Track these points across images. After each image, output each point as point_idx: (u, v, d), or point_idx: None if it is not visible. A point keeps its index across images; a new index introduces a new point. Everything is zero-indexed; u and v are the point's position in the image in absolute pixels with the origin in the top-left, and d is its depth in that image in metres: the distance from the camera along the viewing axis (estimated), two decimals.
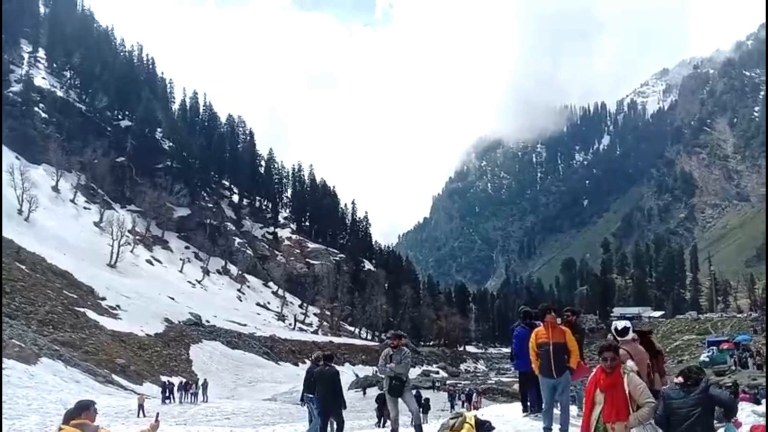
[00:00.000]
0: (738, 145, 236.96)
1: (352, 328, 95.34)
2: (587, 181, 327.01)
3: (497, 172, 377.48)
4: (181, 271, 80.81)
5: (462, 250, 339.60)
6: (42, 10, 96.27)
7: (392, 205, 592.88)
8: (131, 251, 72.81)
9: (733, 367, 40.99)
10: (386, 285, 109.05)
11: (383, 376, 9.25)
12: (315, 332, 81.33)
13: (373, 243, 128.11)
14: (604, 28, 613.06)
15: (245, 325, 66.14)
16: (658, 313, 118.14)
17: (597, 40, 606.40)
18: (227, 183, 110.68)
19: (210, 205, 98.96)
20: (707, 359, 46.18)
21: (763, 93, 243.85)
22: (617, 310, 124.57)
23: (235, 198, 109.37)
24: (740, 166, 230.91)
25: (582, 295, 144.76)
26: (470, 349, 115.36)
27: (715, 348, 48.34)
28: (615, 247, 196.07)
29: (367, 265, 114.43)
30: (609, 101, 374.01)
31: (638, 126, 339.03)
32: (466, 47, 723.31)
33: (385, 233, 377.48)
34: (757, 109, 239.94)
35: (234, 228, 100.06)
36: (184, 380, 37.97)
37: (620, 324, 6.67)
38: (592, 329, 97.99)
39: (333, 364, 10.52)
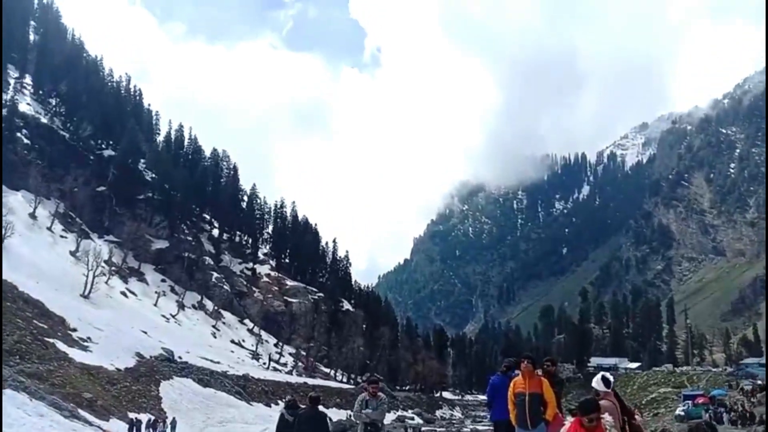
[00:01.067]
0: (714, 200, 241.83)
1: (327, 370, 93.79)
2: (567, 230, 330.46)
3: (479, 217, 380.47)
4: (155, 305, 79.36)
5: (442, 293, 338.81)
6: (32, 37, 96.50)
7: (374, 245, 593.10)
8: (106, 282, 71.43)
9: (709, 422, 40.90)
10: (364, 326, 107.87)
11: (358, 421, 9.12)
12: (289, 372, 79.86)
13: (353, 283, 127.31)
14: (586, 81, 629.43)
15: (218, 362, 64.75)
16: (634, 365, 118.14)
17: (579, 92, 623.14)
18: (208, 217, 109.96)
19: (189, 239, 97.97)
20: (683, 413, 46.13)
21: (738, 151, 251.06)
22: (594, 360, 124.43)
23: (215, 232, 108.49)
24: (716, 220, 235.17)
25: (559, 343, 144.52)
26: (447, 395, 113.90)
27: (690, 402, 48.35)
28: (593, 296, 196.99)
29: (346, 305, 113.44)
30: (589, 152, 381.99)
31: (617, 177, 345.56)
32: (451, 93, 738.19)
33: (365, 273, 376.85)
34: (732, 165, 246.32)
35: (212, 262, 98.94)
36: (152, 418, 36.90)
37: (608, 376, 6.67)
38: (569, 378, 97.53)
39: (321, 408, 10.27)
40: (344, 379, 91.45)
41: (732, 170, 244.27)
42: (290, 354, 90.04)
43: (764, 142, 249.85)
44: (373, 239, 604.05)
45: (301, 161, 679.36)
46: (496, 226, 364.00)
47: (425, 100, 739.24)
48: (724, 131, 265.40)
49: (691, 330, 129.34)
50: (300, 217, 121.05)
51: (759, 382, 69.52)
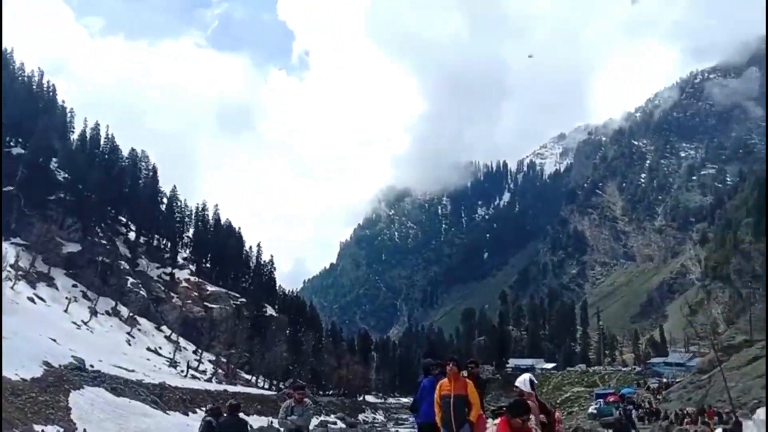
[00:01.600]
0: (626, 208, 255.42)
1: (249, 376, 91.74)
2: (488, 235, 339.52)
3: (405, 222, 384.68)
4: (66, 311, 75.05)
5: (367, 297, 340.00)
6: None
7: (300, 250, 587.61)
8: (12, 288, 66.99)
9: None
10: (288, 331, 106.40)
11: (283, 429, 8.95)
12: (209, 380, 77.52)
13: (277, 288, 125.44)
14: (510, 91, 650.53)
15: (133, 371, 61.96)
16: (550, 365, 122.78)
17: (503, 102, 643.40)
18: (124, 219, 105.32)
19: (103, 242, 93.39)
20: (595, 411, 48.27)
21: (648, 162, 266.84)
22: (513, 361, 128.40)
23: (132, 235, 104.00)
24: (627, 227, 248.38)
25: (480, 345, 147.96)
26: (370, 398, 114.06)
27: (602, 400, 50.59)
28: (512, 299, 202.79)
29: (270, 311, 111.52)
30: (511, 160, 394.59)
31: (536, 185, 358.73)
32: (379, 99, 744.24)
33: (290, 278, 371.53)
34: (643, 176, 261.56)
35: (128, 267, 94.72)
36: (60, 430, 34.81)
37: (533, 378, 6.79)
38: (489, 379, 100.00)
39: (241, 415, 10.02)
40: (266, 386, 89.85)
41: (642, 180, 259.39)
42: (210, 361, 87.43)
43: (672, 154, 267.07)
44: (300, 244, 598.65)
45: (226, 164, 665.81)
46: (421, 231, 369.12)
47: (353, 105, 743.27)
48: (635, 143, 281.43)
49: (603, 331, 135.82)
50: (223, 220, 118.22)
51: (664, 380, 73.85)
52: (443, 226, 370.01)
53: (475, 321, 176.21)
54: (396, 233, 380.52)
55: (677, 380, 67.74)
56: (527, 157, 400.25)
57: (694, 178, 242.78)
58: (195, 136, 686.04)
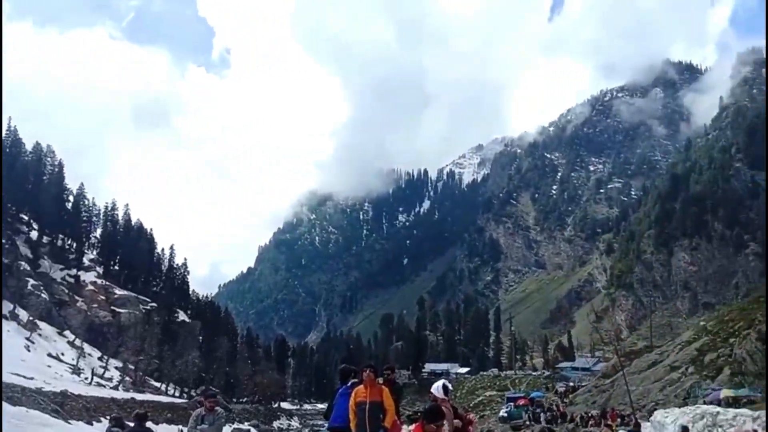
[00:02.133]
0: (538, 218, 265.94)
1: (158, 384, 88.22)
2: (408, 241, 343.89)
3: (326, 227, 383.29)
4: None
5: (285, 302, 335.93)
6: None
7: (217, 253, 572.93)
8: None
9: (528, 422, 44.43)
10: (201, 338, 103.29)
11: None
12: (115, 387, 73.88)
13: (191, 292, 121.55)
14: (433, 101, 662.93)
15: (32, 378, 58.06)
16: (464, 370, 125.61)
17: (425, 111, 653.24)
18: (26, 217, 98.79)
19: (2, 241, 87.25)
20: (506, 414, 49.71)
21: (560, 174, 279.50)
22: (429, 366, 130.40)
23: (34, 234, 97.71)
24: (539, 236, 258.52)
25: (397, 350, 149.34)
26: (285, 405, 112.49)
27: (512, 404, 52.14)
28: (429, 305, 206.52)
29: (182, 316, 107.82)
30: (431, 169, 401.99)
31: (455, 194, 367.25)
32: (303, 102, 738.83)
33: (206, 282, 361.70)
34: (554, 187, 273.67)
35: (29, 268, 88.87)
36: None
37: (448, 384, 6.84)
38: (405, 384, 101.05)
39: (149, 424, 9.56)
40: (177, 394, 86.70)
41: (554, 191, 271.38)
42: (117, 368, 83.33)
43: (582, 167, 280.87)
44: (216, 247, 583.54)
45: (140, 162, 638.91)
46: (342, 236, 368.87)
47: (276, 106, 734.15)
48: (548, 156, 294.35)
49: (514, 336, 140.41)
50: (134, 220, 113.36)
51: (571, 384, 77.16)
52: (364, 231, 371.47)
53: (393, 326, 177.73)
54: (317, 238, 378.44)
55: (583, 384, 71.00)
56: (447, 165, 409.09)
57: (602, 191, 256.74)
58: (107, 132, 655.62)
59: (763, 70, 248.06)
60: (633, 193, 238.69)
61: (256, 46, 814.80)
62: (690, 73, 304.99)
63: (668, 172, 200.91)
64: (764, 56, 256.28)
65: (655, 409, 33.39)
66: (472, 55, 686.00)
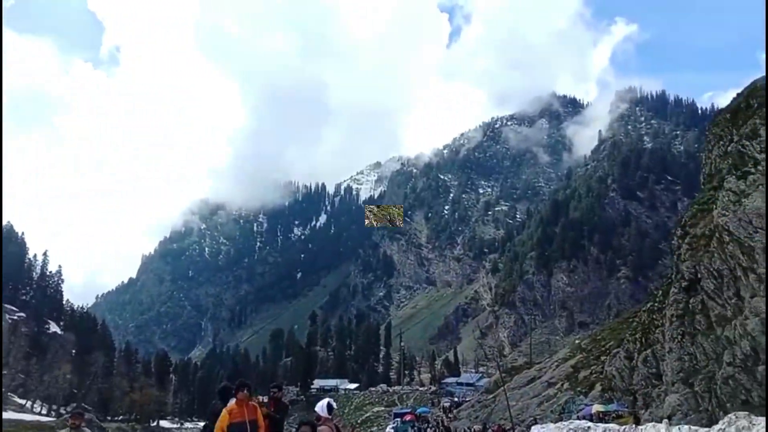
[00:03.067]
0: (430, 237, 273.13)
1: (23, 401, 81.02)
2: (303, 255, 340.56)
3: (217, 237, 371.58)
4: None
5: (169, 315, 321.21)
6: None
7: (95, 261, 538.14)
8: None
9: None
10: (74, 351, 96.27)
11: None
12: None
13: (65, 302, 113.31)
14: (333, 117, 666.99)
15: None
16: (353, 386, 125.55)
17: (325, 126, 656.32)
18: None
19: None
20: (392, 430, 50.00)
21: (452, 195, 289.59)
22: (318, 382, 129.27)
23: None
24: (431, 254, 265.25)
25: (286, 366, 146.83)
26: (165, 423, 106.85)
27: (399, 420, 52.52)
28: (321, 320, 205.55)
29: (53, 328, 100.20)
30: (329, 183, 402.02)
31: (352, 209, 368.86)
32: (200, 107, 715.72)
33: (82, 292, 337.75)
34: (447, 207, 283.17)
35: None
36: None
37: (333, 403, 6.68)
38: (293, 401, 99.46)
39: None
40: (44, 411, 80.00)
41: (446, 211, 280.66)
42: None
43: (473, 189, 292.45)
44: (95, 254, 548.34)
45: (13, 160, 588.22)
46: (234, 247, 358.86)
47: (170, 109, 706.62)
48: (442, 177, 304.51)
49: (404, 352, 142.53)
50: (4, 223, 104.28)
51: (456, 399, 79.20)
52: (258, 243, 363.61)
53: (283, 342, 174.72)
54: (207, 249, 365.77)
55: (467, 399, 73.12)
56: (345, 181, 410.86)
57: (490, 213, 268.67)
58: None
59: (638, 108, 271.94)
60: (518, 216, 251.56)
61: (151, 46, 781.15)
62: (573, 106, 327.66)
63: (550, 198, 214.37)
64: (639, 96, 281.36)
65: (533, 424, 34.95)
66: (374, 74, 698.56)
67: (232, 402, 7.63)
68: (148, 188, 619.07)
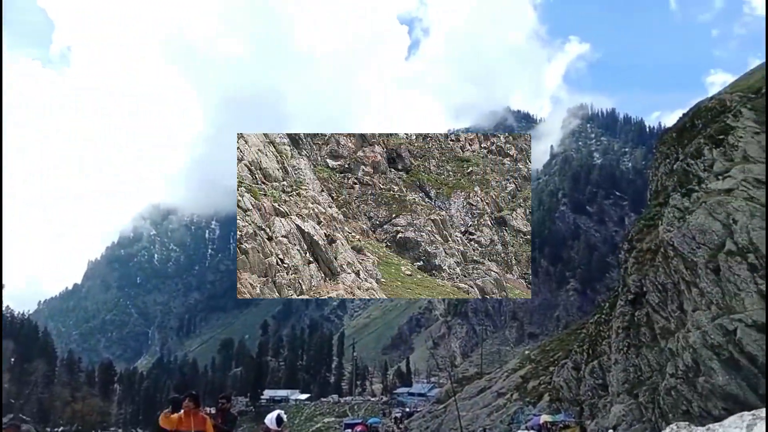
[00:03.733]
0: None
1: None
2: None
3: (167, 244, 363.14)
4: None
5: (114, 323, 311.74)
6: None
7: (36, 265, 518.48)
8: None
9: None
10: (12, 360, 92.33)
11: None
12: None
13: (4, 308, 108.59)
14: (290, 124, 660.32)
15: None
16: (304, 396, 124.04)
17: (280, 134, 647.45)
18: None
19: None
20: None
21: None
22: (268, 393, 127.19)
23: None
24: None
25: (236, 376, 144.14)
26: None
27: (350, 430, 52.29)
28: (273, 329, 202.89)
29: None
30: None
31: None
32: (154, 111, 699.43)
33: (22, 298, 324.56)
34: None
35: None
36: None
37: (283, 415, 6.57)
38: (242, 412, 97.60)
39: None
40: None
41: None
42: None
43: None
44: (37, 258, 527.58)
45: None
46: (184, 254, 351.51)
47: (123, 111, 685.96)
48: None
49: (356, 362, 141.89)
50: None
51: (407, 409, 79.27)
52: (209, 251, 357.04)
53: (233, 351, 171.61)
54: (156, 255, 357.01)
55: (418, 410, 73.23)
56: None
57: None
58: None
59: (589, 125, 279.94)
60: None
61: (105, 48, 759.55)
62: (527, 121, 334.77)
63: None
64: (590, 113, 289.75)
65: None
66: (331, 82, 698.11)
67: (180, 413, 7.44)
68: (97, 192, 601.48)
